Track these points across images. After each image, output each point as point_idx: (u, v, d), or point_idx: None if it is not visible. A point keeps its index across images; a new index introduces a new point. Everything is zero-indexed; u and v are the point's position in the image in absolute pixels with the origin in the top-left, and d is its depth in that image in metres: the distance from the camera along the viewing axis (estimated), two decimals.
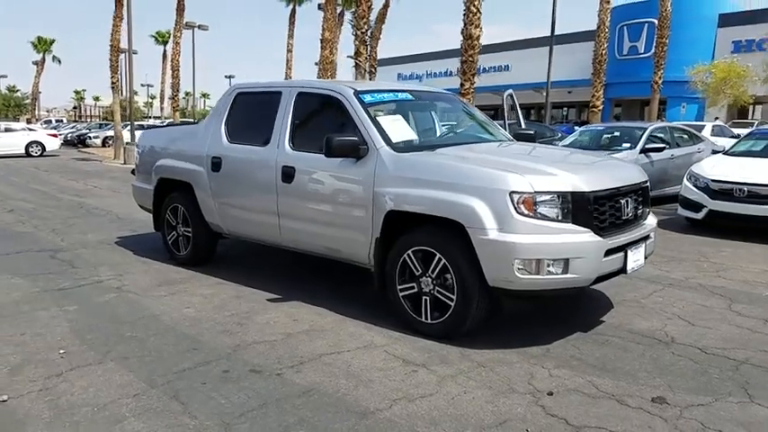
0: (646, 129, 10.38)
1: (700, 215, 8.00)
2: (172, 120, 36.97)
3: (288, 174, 4.98)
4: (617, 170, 4.44)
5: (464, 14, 15.56)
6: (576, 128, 29.61)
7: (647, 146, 9.89)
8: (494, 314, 4.31)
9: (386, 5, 23.58)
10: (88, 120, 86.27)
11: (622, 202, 4.16)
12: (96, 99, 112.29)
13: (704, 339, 4.24)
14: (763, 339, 4.26)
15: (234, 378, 3.57)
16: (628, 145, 10.01)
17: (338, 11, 26.85)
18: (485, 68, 51.34)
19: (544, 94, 42.75)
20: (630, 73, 37.02)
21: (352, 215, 4.55)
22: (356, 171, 4.50)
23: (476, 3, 15.23)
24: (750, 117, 34.25)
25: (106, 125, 40.13)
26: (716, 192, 7.84)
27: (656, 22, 37.08)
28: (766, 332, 4.41)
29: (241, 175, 5.48)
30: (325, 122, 5.02)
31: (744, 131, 23.11)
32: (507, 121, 6.23)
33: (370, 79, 15.62)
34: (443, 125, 5.49)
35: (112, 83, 27.78)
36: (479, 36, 15.84)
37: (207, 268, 6.07)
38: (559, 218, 3.81)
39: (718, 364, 3.82)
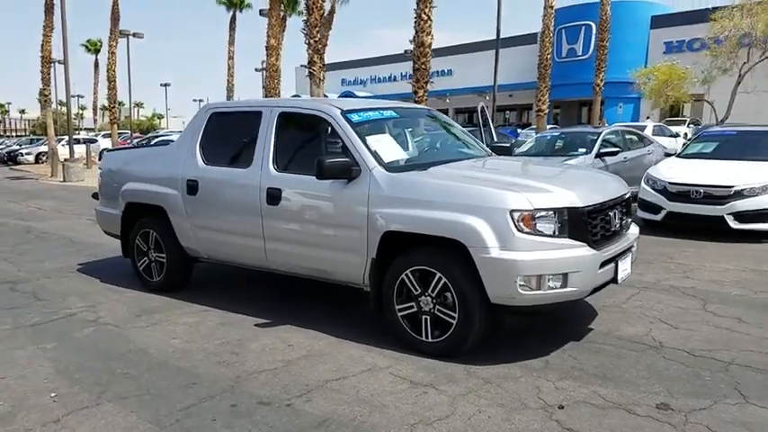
0: (599, 133, 10.76)
1: (658, 217, 8.37)
2: (108, 132, 35.74)
3: (273, 196, 4.91)
4: (604, 184, 4.59)
5: (415, 22, 15.73)
6: (519, 131, 30.52)
7: (601, 150, 10.24)
8: (495, 330, 4.37)
9: (332, 11, 23.51)
10: (13, 134, 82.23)
11: (611, 214, 4.31)
12: (22, 112, 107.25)
13: (690, 342, 4.43)
14: (742, 339, 4.48)
15: (244, 412, 3.49)
16: (583, 150, 10.35)
17: (281, 15, 26.61)
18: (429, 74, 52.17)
19: (487, 98, 43.75)
20: (570, 75, 38.29)
21: (346, 237, 4.53)
22: (349, 192, 4.48)
23: (426, 10, 15.42)
24: (680, 115, 36.03)
25: (38, 140, 38.43)
26: (673, 194, 8.22)
27: (593, 24, 38.59)
28: (743, 331, 4.65)
29: (221, 198, 5.37)
30: (311, 143, 5.00)
31: (679, 129, 24.43)
32: (483, 134, 6.34)
33: (318, 87, 15.53)
34: (427, 141, 5.54)
35: (44, 95, 26.64)
36: (431, 43, 16.04)
37: (183, 294, 5.90)
38: (557, 233, 3.91)
39: (707, 366, 4.00)
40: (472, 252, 3.87)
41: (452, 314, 4.06)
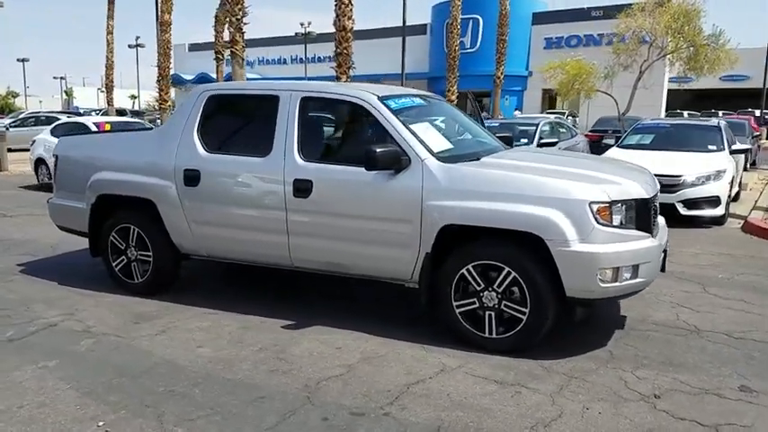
0: (537, 124, 11.12)
1: None
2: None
3: (302, 188, 4.51)
4: (647, 175, 4.68)
5: (336, 5, 15.38)
6: None
7: (541, 140, 10.60)
8: (560, 323, 4.32)
9: None
10: None
11: (656, 205, 4.41)
12: None
13: (720, 325, 4.67)
14: (762, 321, 4.79)
15: (343, 426, 3.18)
16: (525, 140, 10.64)
17: None
18: (320, 58, 51.41)
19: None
20: (460, 66, 39.33)
21: (393, 231, 4.27)
22: (397, 184, 4.22)
23: None
24: (559, 108, 38.45)
25: None
26: None
27: (480, 18, 40.05)
28: (757, 312, 4.98)
29: (230, 190, 4.86)
30: (343, 131, 4.65)
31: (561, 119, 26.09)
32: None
33: (241, 68, 14.66)
34: (453, 131, 5.35)
35: None
36: (352, 28, 15.76)
37: (171, 297, 5.30)
38: (627, 225, 3.93)
39: (754, 348, 4.22)
40: (550, 245, 3.79)
41: (522, 309, 3.95)
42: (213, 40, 25.73)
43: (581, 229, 3.77)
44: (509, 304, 4.00)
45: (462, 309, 4.13)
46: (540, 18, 40.80)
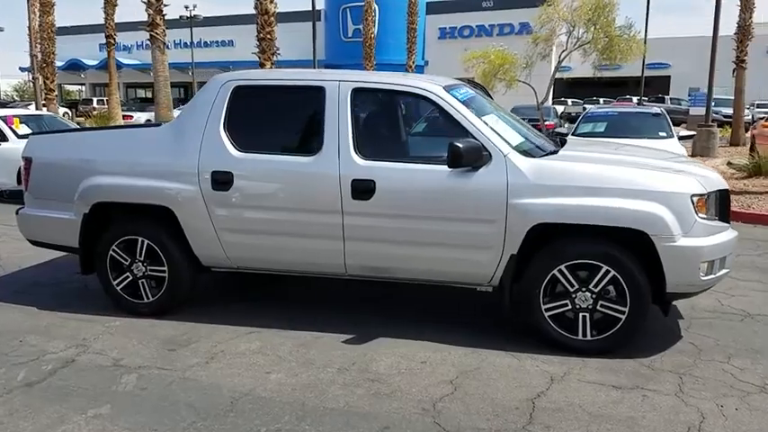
0: None
1: None
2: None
3: (362, 189, 4.10)
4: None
5: None
6: None
7: None
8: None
9: None
10: None
11: None
12: None
13: (763, 307, 4.84)
14: None
15: None
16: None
17: None
18: (206, 42, 49.09)
19: None
20: (356, 55, 38.94)
21: (473, 232, 3.99)
22: (478, 182, 3.94)
23: None
24: None
25: None
26: None
27: (377, 6, 39.98)
28: None
29: (271, 193, 4.35)
30: (408, 125, 4.26)
31: None
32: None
33: (162, 54, 13.37)
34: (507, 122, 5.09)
35: None
36: (275, 12, 15.02)
37: (188, 315, 4.68)
38: (715, 217, 3.93)
39: None
40: (655, 241, 3.69)
41: (620, 308, 3.84)
42: (103, 22, 23.59)
43: (684, 222, 3.71)
44: (606, 304, 3.87)
45: (552, 312, 3.96)
46: (434, 8, 41.46)
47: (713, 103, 18.35)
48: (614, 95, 40.06)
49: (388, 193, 4.09)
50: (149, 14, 13.76)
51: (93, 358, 4.01)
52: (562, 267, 3.89)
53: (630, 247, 3.80)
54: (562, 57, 16.62)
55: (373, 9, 24.21)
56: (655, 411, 3.27)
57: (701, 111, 18.19)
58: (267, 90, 4.53)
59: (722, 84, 28.51)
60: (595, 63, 17.31)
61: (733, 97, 19.90)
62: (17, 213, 5.11)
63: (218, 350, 4.11)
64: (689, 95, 33.89)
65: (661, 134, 9.72)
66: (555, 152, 4.26)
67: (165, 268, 4.62)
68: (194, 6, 42.21)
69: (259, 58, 15.21)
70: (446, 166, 3.96)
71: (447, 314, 4.77)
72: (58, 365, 3.90)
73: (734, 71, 18.71)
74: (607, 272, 3.82)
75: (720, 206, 4.00)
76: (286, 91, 4.49)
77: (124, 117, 24.22)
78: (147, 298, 4.72)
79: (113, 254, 4.70)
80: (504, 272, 4.00)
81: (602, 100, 37.29)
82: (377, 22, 40.69)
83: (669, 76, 46.22)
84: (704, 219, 3.78)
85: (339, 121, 4.20)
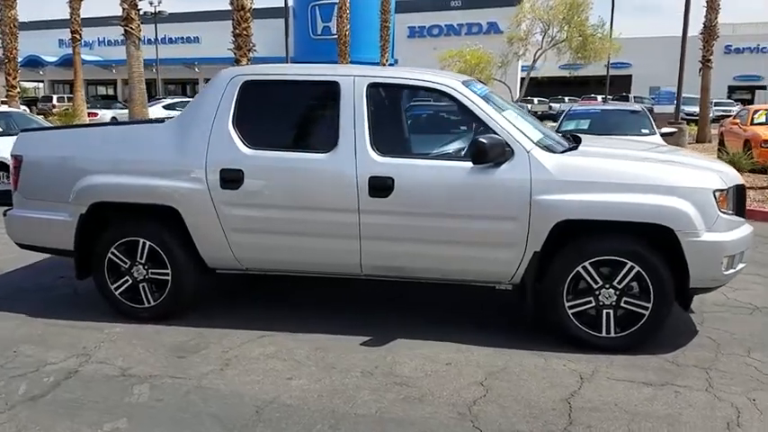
0: None
1: None
2: None
3: (380, 186, 3.98)
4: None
5: None
6: None
7: None
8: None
9: None
10: None
11: None
12: None
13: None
14: None
15: None
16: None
17: None
18: (171, 39, 48.00)
19: None
20: (325, 52, 38.66)
21: (495, 230, 3.91)
22: (500, 178, 3.86)
23: None
24: None
25: None
26: None
27: (338, 3, 39.69)
28: None
29: (284, 191, 4.18)
30: (425, 121, 4.16)
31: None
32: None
33: (137, 49, 12.91)
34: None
35: None
36: (251, 8, 14.74)
37: (190, 320, 4.48)
38: (733, 211, 3.94)
39: None
40: (680, 236, 3.67)
41: (644, 304, 3.81)
42: (63, 17, 22.81)
43: (707, 218, 3.70)
44: (630, 300, 3.84)
45: (575, 309, 3.91)
46: (403, 6, 41.40)
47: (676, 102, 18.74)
48: (578, 94, 40.71)
49: (406, 191, 3.98)
50: (124, 9, 13.30)
51: (99, 368, 3.79)
52: (586, 264, 3.84)
53: (653, 243, 3.78)
54: (537, 56, 16.76)
55: (348, 6, 23.94)
56: (691, 408, 3.24)
57: (665, 108, 18.62)
58: (278, 85, 4.36)
59: (685, 82, 29.36)
60: (570, 60, 17.49)
61: (695, 96, 20.38)
62: (5, 215, 4.82)
63: (230, 356, 3.94)
64: (652, 94, 34.76)
65: (644, 131, 9.83)
66: (574, 148, 4.21)
67: (169, 271, 4.41)
68: (159, 2, 41.27)
69: (235, 54, 14.92)
70: (467, 163, 3.89)
71: (463, 313, 4.69)
72: (61, 377, 3.67)
73: (700, 70, 19.16)
74: (631, 268, 3.78)
75: (738, 201, 4.00)
76: (298, 86, 4.33)
77: (89, 114, 23.46)
78: (149, 302, 4.50)
79: (112, 257, 4.47)
80: (526, 270, 3.93)
81: (566, 98, 37.86)
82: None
83: (631, 75, 47.29)
84: (724, 214, 3.78)
85: (355, 117, 4.07)
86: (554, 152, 3.99)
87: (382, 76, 4.20)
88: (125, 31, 13.38)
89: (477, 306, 4.84)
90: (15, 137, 4.97)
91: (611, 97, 34.62)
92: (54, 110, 27.80)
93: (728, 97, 39.70)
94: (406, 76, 4.23)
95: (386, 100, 4.24)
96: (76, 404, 3.34)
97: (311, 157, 4.14)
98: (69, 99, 36.30)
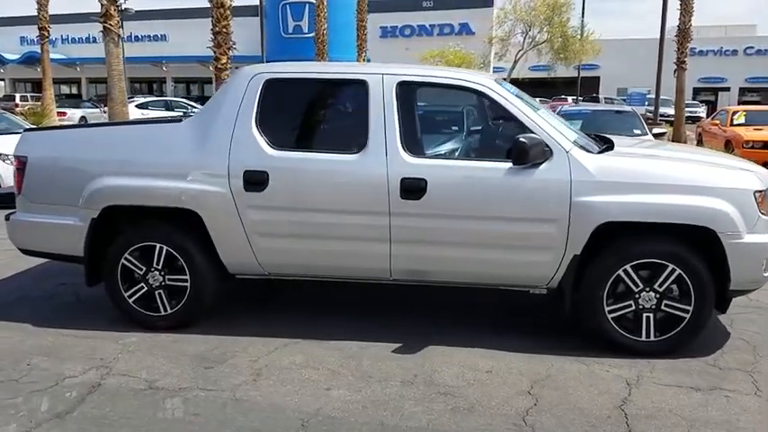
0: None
1: None
2: None
3: (413, 188, 3.85)
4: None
5: None
6: None
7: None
8: None
9: None
10: None
11: None
12: None
13: None
14: None
15: None
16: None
17: None
18: (137, 36, 46.89)
19: (211, 68, 41.21)
20: (296, 51, 38.29)
21: (533, 232, 3.83)
22: (539, 178, 3.77)
23: None
24: None
25: None
26: None
27: (315, 3, 39.38)
28: None
29: (311, 194, 4.02)
30: (458, 121, 4.05)
31: None
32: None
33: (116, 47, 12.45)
34: None
35: None
36: (231, 5, 14.40)
37: (206, 327, 4.29)
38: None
39: None
40: (722, 238, 3.64)
41: (685, 307, 3.77)
42: (26, 14, 22.03)
43: (748, 219, 3.68)
44: (671, 303, 3.79)
45: (615, 313, 3.84)
46: (375, 6, 41.11)
47: (647, 103, 19.06)
48: (547, 96, 41.22)
49: (440, 193, 3.86)
50: (102, 5, 12.83)
51: (122, 381, 3.57)
52: (627, 267, 3.77)
53: (693, 245, 3.74)
54: (518, 56, 16.83)
55: (325, 5, 23.69)
56: (746, 413, 3.20)
57: (637, 110, 18.85)
58: (302, 83, 4.20)
59: (649, 84, 29.94)
60: (550, 61, 17.61)
61: (667, 97, 20.72)
62: (7, 219, 4.55)
63: (260, 365, 3.77)
64: (621, 95, 35.39)
65: (636, 131, 9.89)
66: (610, 148, 4.15)
67: (187, 277, 4.21)
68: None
69: (214, 52, 14.55)
70: (503, 163, 3.80)
71: (488, 316, 4.61)
72: (84, 391, 3.45)
73: (675, 71, 19.49)
74: (673, 270, 3.73)
75: None
76: (323, 84, 4.18)
77: (58, 114, 22.73)
78: (165, 310, 4.29)
79: (125, 263, 4.25)
80: (564, 273, 3.85)
81: (537, 100, 38.20)
82: (315, 18, 40.26)
83: (599, 77, 47.98)
84: (763, 215, 3.76)
85: (385, 117, 3.94)
86: (591, 152, 3.92)
87: (413, 75, 4.07)
88: (104, 27, 12.91)
89: (502, 309, 4.76)
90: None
91: (581, 98, 35.14)
92: (17, 109, 26.85)
93: (693, 99, 40.64)
94: (438, 75, 4.12)
95: (417, 99, 4.11)
96: (107, 421, 3.14)
97: (339, 158, 3.99)
98: (33, 98, 35.27)
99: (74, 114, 25.05)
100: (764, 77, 43.24)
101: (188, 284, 4.22)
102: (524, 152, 3.63)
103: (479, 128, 4.28)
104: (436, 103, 4.47)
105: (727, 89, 45.29)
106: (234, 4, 27.73)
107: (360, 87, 4.01)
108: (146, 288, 4.27)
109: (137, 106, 24.26)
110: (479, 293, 4.50)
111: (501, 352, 3.93)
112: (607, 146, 4.25)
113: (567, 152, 3.79)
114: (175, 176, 4.10)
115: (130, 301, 4.30)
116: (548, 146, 3.77)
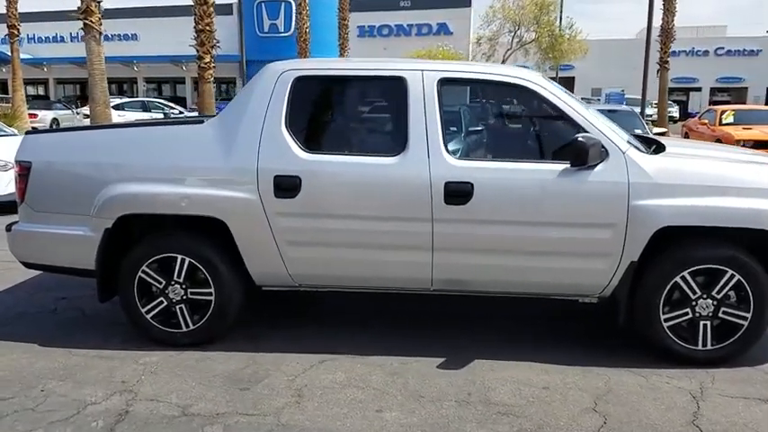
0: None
1: None
2: None
3: (458, 192, 3.62)
4: None
5: None
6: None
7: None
8: None
9: None
10: None
11: None
12: None
13: None
14: None
15: None
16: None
17: None
18: (107, 36, 45.73)
19: (184, 68, 40.34)
20: (272, 50, 37.69)
21: (588, 238, 3.62)
22: (595, 181, 3.57)
23: None
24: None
25: None
26: None
27: (292, 2, 38.94)
28: None
29: (348, 199, 3.76)
30: (506, 120, 3.82)
31: None
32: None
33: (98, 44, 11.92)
34: None
35: None
36: (214, 2, 14.04)
37: (228, 344, 4.01)
38: None
39: None
40: None
41: (743, 314, 3.61)
42: (5, 11, 21.27)
43: None
44: (729, 311, 3.62)
45: (671, 322, 3.66)
46: (353, 6, 40.82)
47: (624, 102, 19.17)
48: None
49: (488, 197, 3.63)
50: (83, 0, 12.33)
51: (152, 407, 3.26)
52: (685, 274, 3.60)
53: (749, 249, 3.59)
54: (506, 56, 16.74)
55: (307, 3, 23.36)
56: None
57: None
58: (335, 81, 3.93)
59: (621, 85, 30.24)
60: (539, 61, 17.56)
61: (635, 96, 20.81)
62: (8, 230, 4.19)
63: (299, 385, 3.49)
64: (599, 96, 35.67)
65: (636, 131, 9.81)
66: (663, 149, 3.97)
67: (212, 290, 3.91)
68: None
69: (197, 50, 14.20)
70: (556, 165, 3.60)
71: (532, 328, 4.39)
72: (111, 420, 3.13)
73: (658, 71, 19.66)
74: (732, 276, 3.56)
75: None
76: (358, 82, 3.92)
77: (30, 116, 21.95)
78: (187, 326, 3.98)
79: (143, 276, 3.93)
80: (620, 281, 3.66)
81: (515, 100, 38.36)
82: (293, 17, 39.81)
83: (574, 77, 48.44)
84: None
85: (426, 116, 3.69)
86: (644, 153, 3.74)
87: (454, 71, 3.84)
88: (84, 24, 12.38)
89: (543, 319, 4.54)
90: None
91: None
92: None
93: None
94: (482, 70, 3.88)
95: (459, 97, 3.89)
96: None
97: (377, 162, 3.73)
98: (1, 100, 34.10)
99: (45, 116, 24.23)
100: (734, 77, 44.04)
101: (212, 298, 3.92)
102: (584, 152, 3.42)
103: (525, 127, 4.06)
104: (478, 101, 4.24)
105: (699, 89, 46.01)
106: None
107: (397, 85, 3.76)
108: (165, 303, 3.96)
109: (113, 108, 23.49)
110: (517, 303, 4.30)
111: (552, 365, 3.72)
112: (656, 146, 4.07)
113: (624, 153, 3.60)
114: (199, 182, 3.80)
115: (148, 316, 3.99)
116: (603, 146, 3.58)
